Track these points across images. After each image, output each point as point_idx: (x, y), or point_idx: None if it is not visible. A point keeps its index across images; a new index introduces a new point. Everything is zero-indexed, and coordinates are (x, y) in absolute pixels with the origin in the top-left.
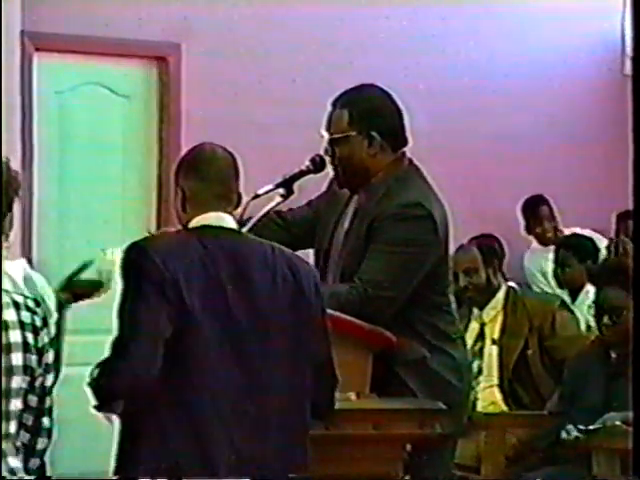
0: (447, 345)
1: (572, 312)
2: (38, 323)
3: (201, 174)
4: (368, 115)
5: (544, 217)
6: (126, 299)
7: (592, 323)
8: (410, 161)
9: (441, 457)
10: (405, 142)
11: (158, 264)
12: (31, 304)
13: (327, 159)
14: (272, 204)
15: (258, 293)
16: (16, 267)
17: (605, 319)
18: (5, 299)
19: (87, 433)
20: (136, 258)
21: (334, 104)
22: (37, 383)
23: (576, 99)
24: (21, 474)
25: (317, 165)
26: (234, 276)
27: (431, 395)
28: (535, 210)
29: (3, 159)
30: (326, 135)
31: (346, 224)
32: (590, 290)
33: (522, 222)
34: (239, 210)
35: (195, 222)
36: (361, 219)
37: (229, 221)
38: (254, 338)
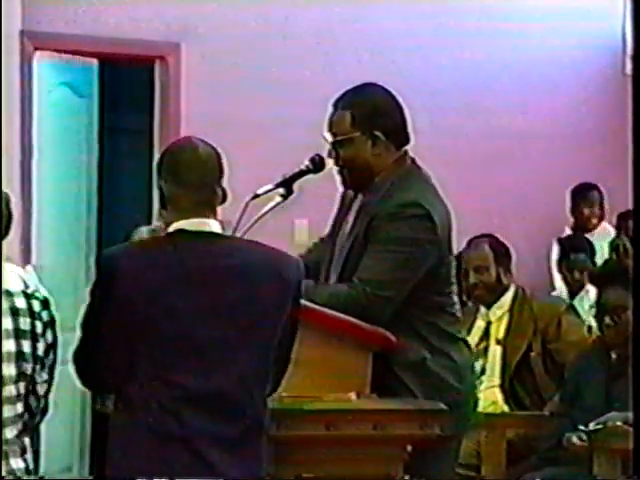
0: (448, 346)
1: (578, 316)
2: (39, 329)
3: (180, 179)
4: (371, 115)
5: (595, 201)
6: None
7: (593, 323)
8: (412, 160)
9: (444, 458)
10: (407, 140)
11: (115, 275)
12: (37, 307)
13: (331, 160)
14: (272, 204)
15: (232, 302)
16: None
17: (607, 319)
18: (4, 305)
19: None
20: (98, 266)
21: (335, 105)
22: (38, 389)
23: (576, 99)
24: (21, 474)
25: (317, 165)
26: (205, 282)
27: (430, 396)
28: (587, 193)
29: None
30: (329, 137)
31: (349, 224)
32: (590, 289)
33: (568, 204)
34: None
35: (175, 226)
36: (362, 219)
37: (212, 225)
38: (220, 345)
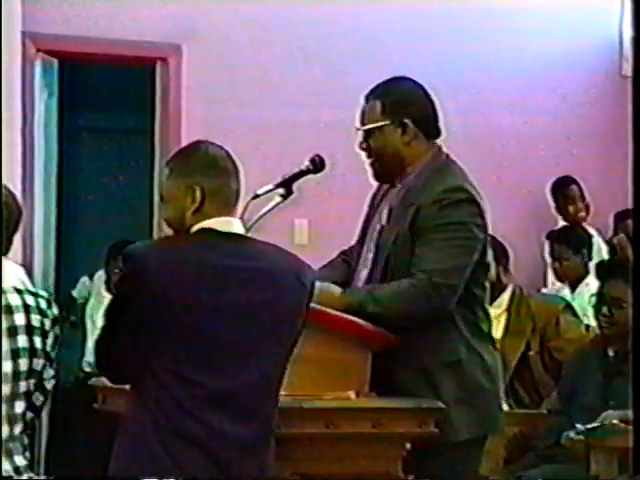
0: (480, 345)
1: (576, 315)
2: (47, 326)
3: (222, 169)
4: (400, 103)
5: (576, 196)
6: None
7: (592, 322)
8: (447, 156)
9: (467, 460)
10: (438, 133)
11: (142, 269)
12: (43, 305)
13: (363, 153)
14: (272, 204)
15: (256, 303)
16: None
17: (604, 309)
18: (16, 301)
19: None
20: (126, 260)
21: (367, 98)
22: (46, 385)
23: (574, 100)
24: (26, 472)
25: (317, 165)
26: (231, 283)
27: (463, 398)
28: (565, 189)
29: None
30: (360, 128)
31: (384, 218)
32: (590, 283)
33: (552, 203)
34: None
35: (202, 225)
36: (404, 209)
37: (237, 225)
38: (242, 346)
